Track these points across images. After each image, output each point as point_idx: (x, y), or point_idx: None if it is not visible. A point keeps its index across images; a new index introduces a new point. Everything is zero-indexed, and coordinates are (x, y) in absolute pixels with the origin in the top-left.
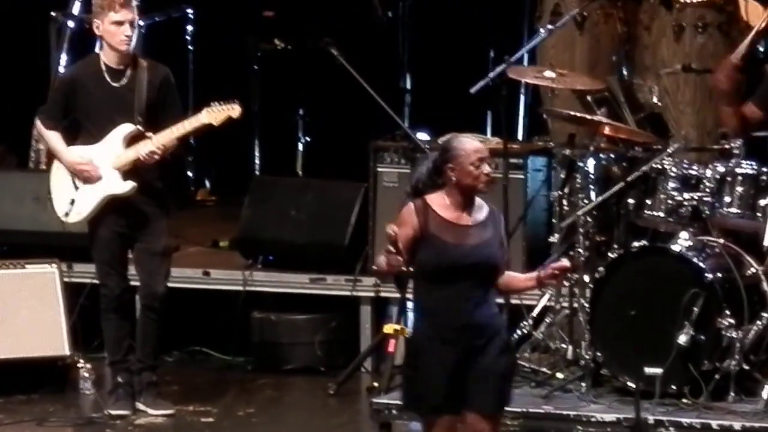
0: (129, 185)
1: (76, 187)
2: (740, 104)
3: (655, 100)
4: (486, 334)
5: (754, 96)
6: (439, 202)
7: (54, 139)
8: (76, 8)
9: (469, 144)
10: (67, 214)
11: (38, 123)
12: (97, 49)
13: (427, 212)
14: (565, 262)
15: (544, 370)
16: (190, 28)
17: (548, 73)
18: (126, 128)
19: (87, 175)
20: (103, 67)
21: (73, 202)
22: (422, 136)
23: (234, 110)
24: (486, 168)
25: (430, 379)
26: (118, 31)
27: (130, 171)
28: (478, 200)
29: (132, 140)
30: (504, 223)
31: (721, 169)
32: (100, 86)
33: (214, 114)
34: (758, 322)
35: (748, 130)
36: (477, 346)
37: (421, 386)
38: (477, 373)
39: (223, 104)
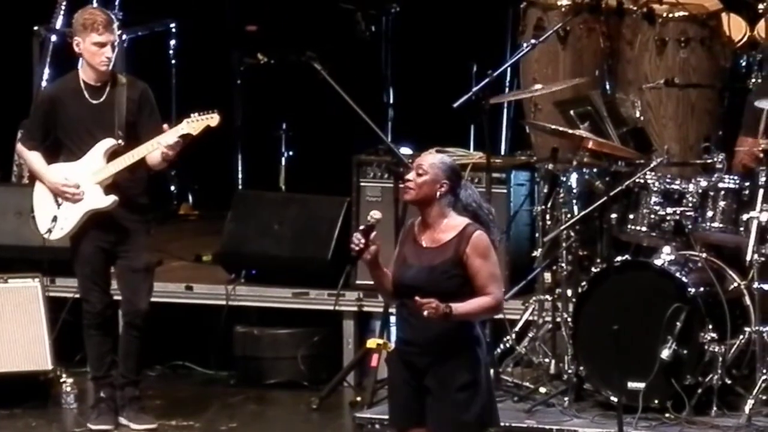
0: (110, 199)
1: (58, 204)
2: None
3: (637, 114)
4: (430, 354)
5: (743, 129)
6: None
7: (34, 159)
8: (59, 22)
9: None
10: (49, 231)
11: (18, 145)
12: (80, 65)
13: (410, 229)
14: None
15: (527, 384)
16: (173, 42)
17: (537, 86)
18: (107, 143)
19: (69, 196)
20: (83, 85)
21: (55, 218)
22: (405, 150)
23: (213, 119)
24: (410, 175)
25: (391, 391)
26: (98, 52)
27: (112, 185)
28: (455, 219)
29: (113, 155)
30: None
31: (703, 183)
32: (79, 103)
33: (194, 124)
34: (741, 337)
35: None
36: (423, 363)
37: (388, 397)
38: (427, 391)
39: (201, 114)
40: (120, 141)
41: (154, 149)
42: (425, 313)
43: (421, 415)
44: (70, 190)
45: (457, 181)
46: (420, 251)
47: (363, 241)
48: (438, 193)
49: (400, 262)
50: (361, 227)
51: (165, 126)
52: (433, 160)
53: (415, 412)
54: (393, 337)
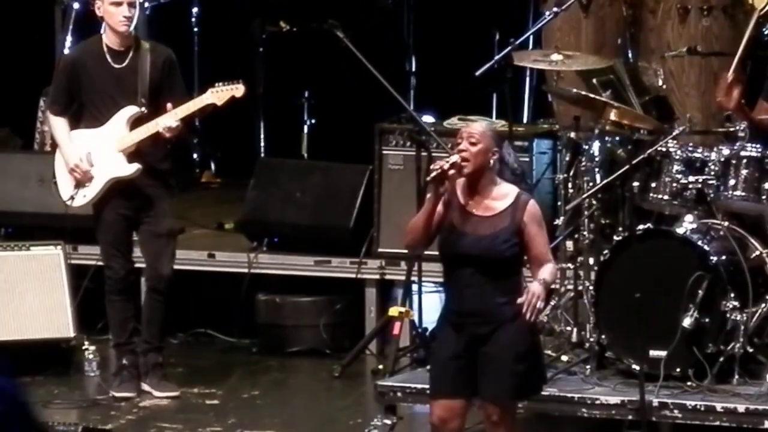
0: (134, 167)
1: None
2: (751, 108)
3: (660, 83)
4: (489, 323)
5: (763, 92)
6: (461, 185)
7: (59, 127)
8: None
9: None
10: (72, 198)
11: (47, 112)
12: (103, 29)
13: (452, 196)
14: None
15: (549, 352)
16: (195, 10)
17: (555, 56)
18: (130, 110)
19: (78, 176)
20: (105, 49)
21: (77, 186)
22: (427, 118)
23: (238, 90)
24: (463, 145)
25: (436, 360)
26: (116, 12)
27: (135, 153)
28: (504, 187)
29: (136, 122)
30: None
31: (725, 152)
32: (102, 68)
33: (218, 94)
34: (763, 305)
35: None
36: (480, 334)
37: (432, 366)
38: (483, 361)
39: (227, 84)
40: (143, 108)
41: (156, 130)
42: (529, 316)
43: (468, 386)
44: (79, 172)
45: (502, 145)
46: (473, 219)
47: (446, 169)
48: (492, 161)
49: (448, 230)
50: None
51: (169, 105)
52: (482, 128)
53: (463, 384)
54: (415, 307)
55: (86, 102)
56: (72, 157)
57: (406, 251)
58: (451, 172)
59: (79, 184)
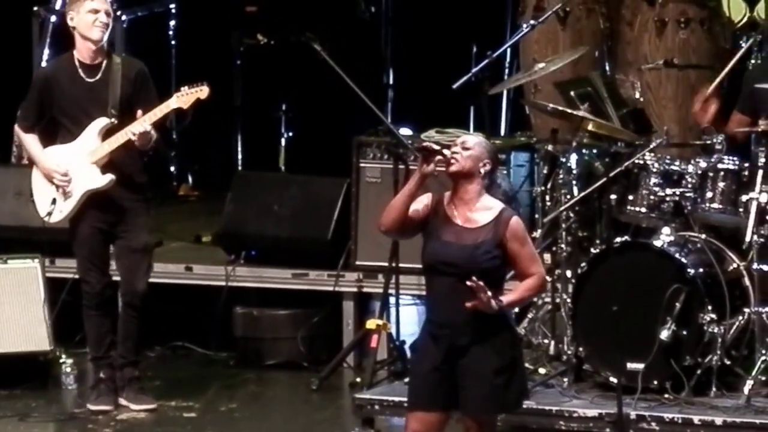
0: (107, 178)
1: (57, 187)
2: (726, 120)
3: (637, 95)
4: (467, 334)
5: (738, 104)
6: (447, 195)
7: (30, 142)
8: (58, 3)
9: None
10: (49, 214)
11: (16, 126)
12: (77, 43)
13: (438, 205)
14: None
15: (527, 365)
16: (173, 22)
17: (539, 66)
18: (100, 122)
19: (57, 182)
20: (77, 64)
21: (54, 201)
22: (405, 131)
23: (202, 92)
24: (455, 149)
25: (415, 372)
26: (93, 18)
27: (109, 165)
28: (490, 201)
29: (107, 134)
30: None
31: (703, 164)
32: (74, 83)
33: (184, 98)
34: (740, 318)
35: (740, 140)
36: (459, 345)
37: (410, 378)
38: (462, 374)
39: (191, 87)
40: (113, 120)
41: (126, 138)
42: (468, 304)
43: (447, 399)
44: (59, 177)
45: (497, 164)
46: (457, 229)
47: (436, 149)
48: (482, 170)
49: (433, 238)
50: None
51: (139, 113)
52: (477, 139)
53: (441, 396)
54: (392, 319)
55: (60, 117)
56: (50, 165)
57: (384, 264)
58: (438, 157)
59: (64, 192)
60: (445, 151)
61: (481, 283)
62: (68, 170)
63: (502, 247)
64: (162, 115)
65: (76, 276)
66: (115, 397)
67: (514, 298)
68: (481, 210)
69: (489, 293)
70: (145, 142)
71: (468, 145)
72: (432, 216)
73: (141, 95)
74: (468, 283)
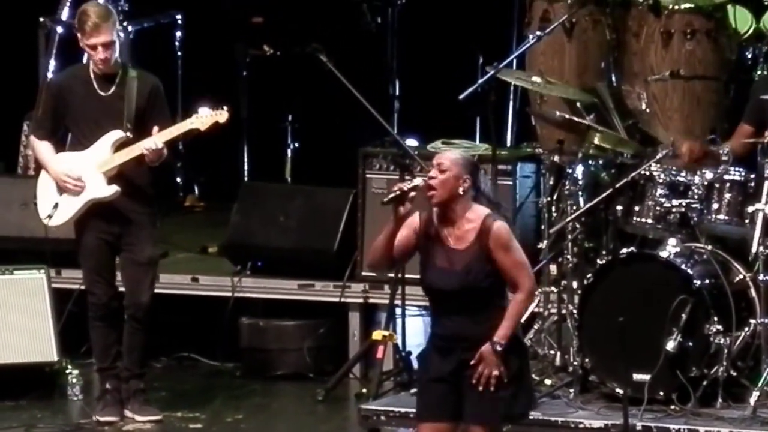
0: (112, 189)
1: (61, 192)
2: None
3: (643, 106)
4: (473, 348)
5: (745, 116)
6: (437, 214)
7: (44, 150)
8: (65, 14)
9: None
10: (49, 217)
11: (31, 137)
12: (85, 59)
13: (427, 225)
14: None
15: (533, 376)
16: (179, 33)
17: (535, 78)
18: (115, 135)
19: (70, 187)
20: (92, 75)
21: (56, 205)
22: (411, 142)
23: (222, 116)
24: (432, 172)
25: (423, 384)
26: (92, 54)
27: (118, 176)
28: (475, 212)
29: (120, 147)
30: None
31: (709, 175)
32: (88, 94)
33: (202, 119)
34: (746, 329)
35: (740, 155)
36: (466, 359)
37: (418, 390)
38: (468, 384)
39: (211, 110)
40: (128, 134)
41: (138, 152)
42: (472, 381)
43: (455, 409)
44: (71, 182)
45: (477, 174)
46: (449, 253)
47: (405, 191)
48: (461, 189)
49: (428, 264)
50: (405, 185)
51: (155, 129)
52: (452, 156)
53: (449, 406)
54: (398, 330)
55: (72, 128)
56: (62, 170)
57: (390, 274)
58: (412, 194)
59: (68, 198)
60: (417, 181)
61: (482, 375)
62: (81, 176)
63: (491, 260)
64: (178, 134)
65: (82, 287)
66: (121, 407)
67: (507, 329)
68: (467, 224)
69: (487, 368)
70: (156, 159)
71: (444, 167)
72: (423, 238)
73: (155, 111)
74: (474, 377)
